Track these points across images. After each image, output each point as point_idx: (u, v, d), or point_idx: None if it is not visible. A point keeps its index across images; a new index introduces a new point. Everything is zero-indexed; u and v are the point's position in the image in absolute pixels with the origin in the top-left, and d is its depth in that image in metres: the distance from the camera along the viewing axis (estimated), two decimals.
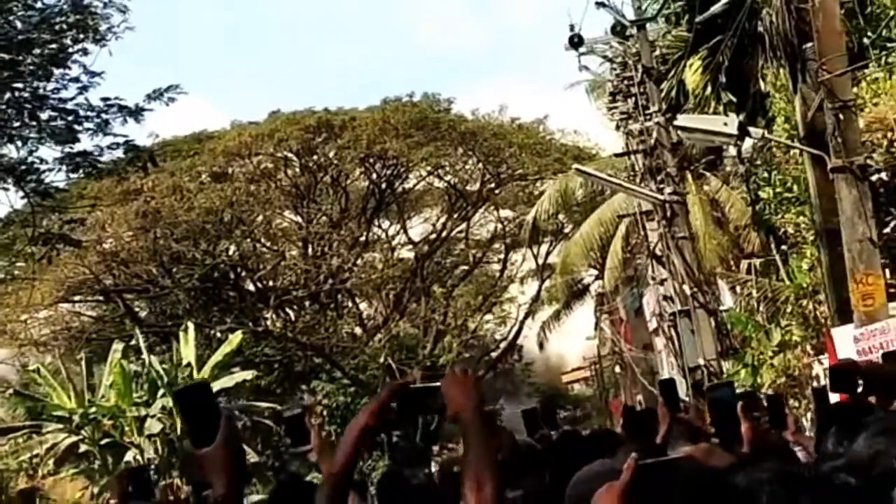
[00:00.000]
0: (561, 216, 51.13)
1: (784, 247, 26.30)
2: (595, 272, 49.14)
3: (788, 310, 24.26)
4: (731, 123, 15.79)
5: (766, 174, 26.22)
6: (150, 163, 24.79)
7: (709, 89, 25.62)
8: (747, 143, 20.60)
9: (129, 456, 40.83)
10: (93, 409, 41.27)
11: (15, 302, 50.45)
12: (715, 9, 20.56)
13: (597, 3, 25.28)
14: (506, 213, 57.65)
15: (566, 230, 53.01)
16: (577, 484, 4.53)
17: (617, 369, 58.07)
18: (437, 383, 4.80)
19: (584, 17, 27.05)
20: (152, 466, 39.07)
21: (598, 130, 48.24)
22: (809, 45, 13.99)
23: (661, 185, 26.05)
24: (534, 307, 57.61)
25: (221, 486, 3.65)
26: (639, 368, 47.08)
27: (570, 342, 62.02)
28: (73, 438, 41.66)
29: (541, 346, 59.04)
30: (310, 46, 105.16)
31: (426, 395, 4.86)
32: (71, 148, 22.33)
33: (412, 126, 53.34)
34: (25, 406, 44.69)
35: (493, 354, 60.38)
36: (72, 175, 23.35)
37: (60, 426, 41.80)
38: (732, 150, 27.94)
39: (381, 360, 51.57)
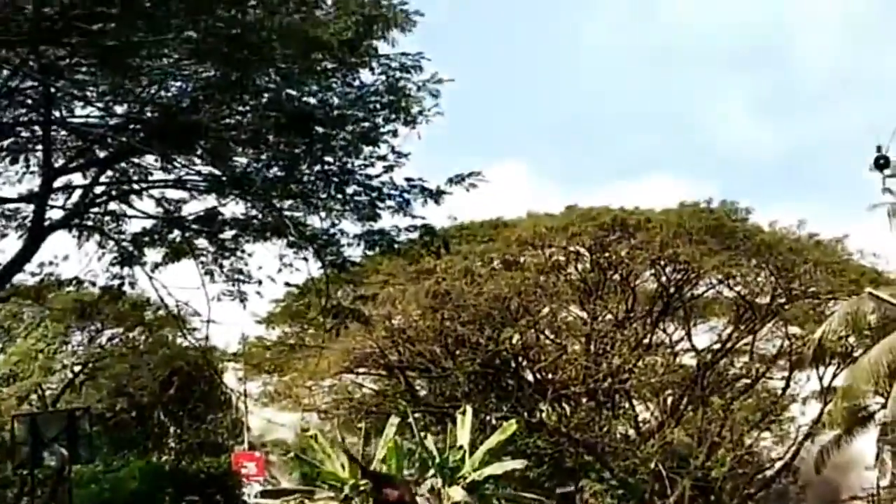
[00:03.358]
0: (850, 339, 49.90)
1: None
2: (881, 400, 47.63)
3: None
4: None
5: None
6: (443, 248, 25.32)
7: None
8: None
9: None
10: (364, 481, 42.09)
11: (303, 368, 52.13)
12: None
13: None
14: (794, 329, 56.52)
15: (855, 353, 51.64)
16: None
17: None
18: None
19: (893, 137, 26.63)
20: None
21: None
22: None
23: None
24: (814, 429, 56.10)
25: None
26: None
27: (850, 470, 60.14)
28: None
29: (818, 470, 57.38)
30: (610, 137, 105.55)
31: None
32: (371, 225, 23.07)
33: (707, 232, 52.94)
34: (301, 470, 46.00)
35: (768, 473, 59.03)
36: (369, 252, 24.09)
37: (332, 494, 42.77)
38: None
39: (652, 465, 51.09)
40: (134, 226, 24.76)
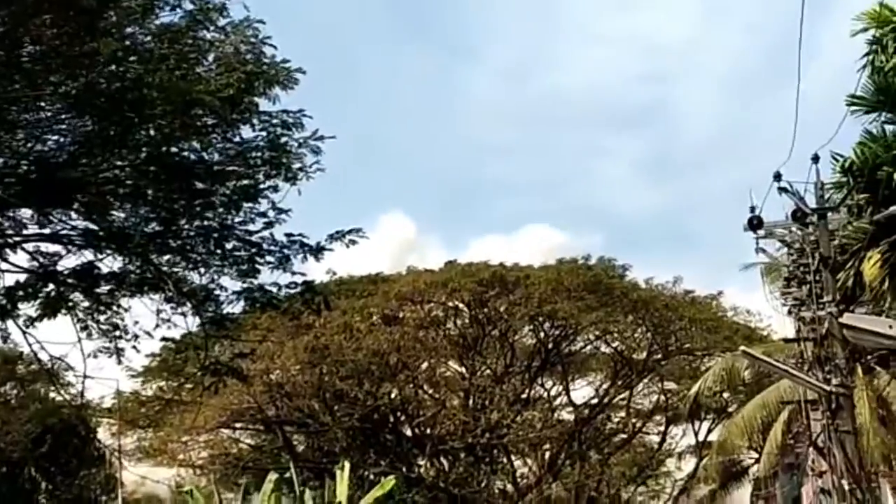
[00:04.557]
0: (725, 394, 50.68)
1: None
2: (755, 455, 48.36)
3: None
4: None
5: None
6: (324, 305, 25.23)
7: (886, 284, 25.35)
8: None
9: None
10: None
11: (179, 423, 51.51)
12: (893, 210, 20.55)
13: (779, 189, 25.35)
14: (670, 385, 57.27)
15: (730, 409, 52.43)
16: None
17: None
18: None
19: (766, 199, 27.10)
20: None
21: (770, 312, 47.90)
22: None
23: (829, 376, 25.71)
24: (689, 484, 56.77)
25: None
26: None
27: None
28: None
29: None
30: (489, 200, 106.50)
31: None
32: (251, 281, 22.93)
33: (585, 288, 53.52)
34: None
35: None
36: (249, 308, 23.92)
37: None
38: None
39: None
40: (7, 279, 24.32)
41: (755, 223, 26.53)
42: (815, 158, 24.98)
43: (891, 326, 15.85)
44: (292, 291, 23.28)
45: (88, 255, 23.44)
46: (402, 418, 56.25)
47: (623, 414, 58.69)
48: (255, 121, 21.76)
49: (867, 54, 22.44)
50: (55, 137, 21.62)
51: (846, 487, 25.30)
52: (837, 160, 24.04)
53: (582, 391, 58.22)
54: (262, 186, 22.52)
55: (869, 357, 32.00)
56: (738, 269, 42.07)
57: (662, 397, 57.61)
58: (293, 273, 23.18)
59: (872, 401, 31.39)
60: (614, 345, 56.59)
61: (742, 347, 32.92)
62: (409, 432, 56.63)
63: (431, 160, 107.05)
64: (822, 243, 25.85)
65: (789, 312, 32.87)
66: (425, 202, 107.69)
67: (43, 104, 20.20)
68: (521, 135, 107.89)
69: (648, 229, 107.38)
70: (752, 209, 26.33)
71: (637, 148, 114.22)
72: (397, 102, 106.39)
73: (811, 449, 31.85)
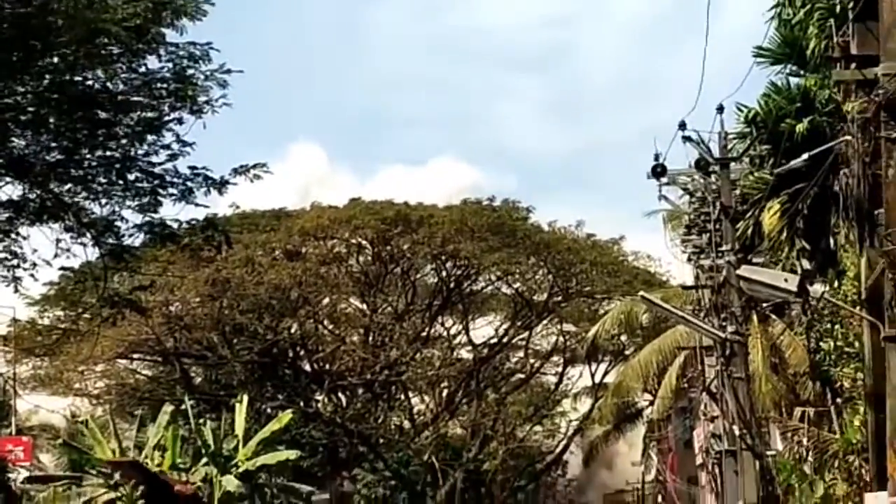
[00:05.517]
0: (623, 338, 51.22)
1: (839, 400, 26.19)
2: (650, 398, 49.00)
3: (836, 464, 24.11)
4: (791, 280, 15.98)
5: (829, 325, 26.24)
6: (225, 243, 25.12)
7: (784, 234, 25.64)
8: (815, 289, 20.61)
9: None
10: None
11: (76, 352, 51.06)
12: (795, 163, 20.79)
13: (683, 138, 25.52)
14: (569, 327, 57.69)
15: (626, 352, 53.01)
16: None
17: (659, 499, 57.60)
18: None
19: (670, 147, 27.23)
20: None
21: (670, 259, 48.27)
22: (880, 211, 14.19)
23: (725, 323, 26.06)
24: (584, 424, 57.42)
25: None
26: (680, 501, 46.71)
27: (616, 465, 61.72)
28: (112, 494, 41.75)
29: (586, 463, 58.83)
30: (397, 135, 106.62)
31: None
32: (152, 216, 22.75)
33: (488, 230, 53.63)
34: (70, 456, 45.05)
35: (538, 466, 60.17)
36: (149, 242, 23.76)
37: (101, 480, 41.98)
38: None
39: (426, 457, 51.58)
40: None
41: (659, 170, 26.68)
42: (720, 108, 25.19)
43: (786, 280, 16.08)
44: (193, 226, 23.16)
45: None
46: (302, 353, 56.26)
47: (521, 354, 59.08)
48: (161, 52, 21.56)
49: (775, 6, 22.58)
50: None
51: (737, 432, 25.75)
52: (742, 111, 24.22)
53: (482, 331, 58.51)
54: (166, 118, 22.36)
55: (764, 305, 32.39)
56: (642, 215, 42.43)
57: (561, 339, 58.05)
58: (196, 205, 23.08)
59: (766, 348, 31.80)
60: (515, 286, 56.87)
61: (641, 293, 33.22)
62: (307, 367, 56.67)
63: (342, 92, 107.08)
64: (723, 192, 26.13)
65: (689, 260, 33.19)
66: (335, 132, 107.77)
67: None
68: (429, 70, 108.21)
69: (556, 172, 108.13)
70: (657, 157, 26.48)
71: (543, 90, 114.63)
72: (309, 34, 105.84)
73: (704, 394, 32.36)
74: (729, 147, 26.11)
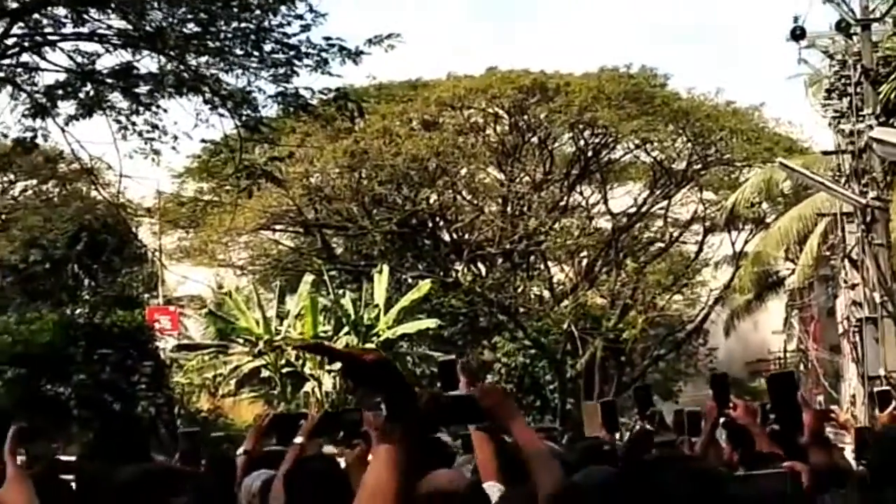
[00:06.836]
0: (764, 206, 50.62)
1: None
2: (791, 266, 48.48)
3: None
4: None
5: None
6: (357, 113, 25.27)
7: None
8: None
9: (307, 387, 41.90)
10: (278, 337, 42.37)
11: (219, 224, 51.94)
12: None
13: None
14: (708, 195, 57.05)
15: (767, 220, 52.41)
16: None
17: (801, 368, 57.22)
18: (469, 394, 5.24)
19: (810, 9, 26.60)
20: (329, 399, 40.14)
21: (812, 124, 47.28)
22: None
23: (865, 189, 25.66)
24: (725, 294, 56.98)
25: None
26: (822, 370, 46.39)
27: (758, 334, 61.36)
28: (257, 363, 42.86)
29: (727, 333, 58.56)
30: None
31: (460, 406, 5.12)
32: (285, 87, 22.96)
33: (626, 97, 53.04)
34: (216, 326, 46.13)
35: (678, 335, 60.05)
36: (282, 113, 24.05)
37: (246, 349, 43.03)
38: None
39: (565, 326, 51.76)
40: (47, 78, 24.45)
41: (798, 33, 26.20)
42: None
43: None
44: (326, 97, 23.36)
45: (126, 56, 23.53)
46: (440, 223, 56.49)
47: (661, 223, 58.62)
48: None
49: None
50: None
51: (878, 300, 25.46)
52: None
53: (620, 200, 58.02)
54: None
55: None
56: (783, 80, 41.58)
57: (700, 207, 57.41)
58: (331, 76, 23.25)
59: None
60: (654, 154, 56.23)
61: (779, 160, 32.78)
62: (446, 237, 56.93)
63: None
64: (864, 55, 25.54)
65: (829, 124, 32.60)
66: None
67: None
68: None
69: (689, 41, 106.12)
70: (796, 19, 25.95)
71: None
72: None
73: (845, 261, 31.96)
74: (871, 7, 25.46)
